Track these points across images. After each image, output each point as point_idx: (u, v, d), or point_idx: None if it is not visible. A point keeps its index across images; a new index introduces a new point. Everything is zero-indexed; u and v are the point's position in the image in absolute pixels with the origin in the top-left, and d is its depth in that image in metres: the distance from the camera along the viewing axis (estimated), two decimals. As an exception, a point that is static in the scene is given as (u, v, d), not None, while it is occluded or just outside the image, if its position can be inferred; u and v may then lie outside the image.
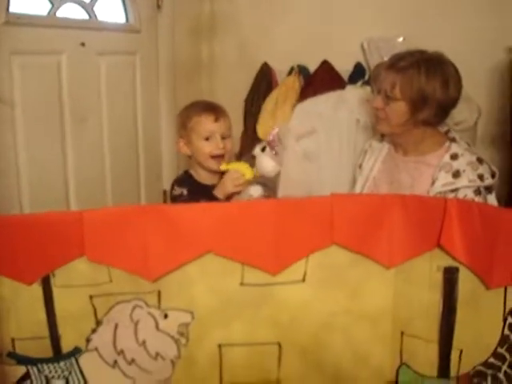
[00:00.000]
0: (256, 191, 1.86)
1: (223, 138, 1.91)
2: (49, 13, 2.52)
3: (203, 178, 1.94)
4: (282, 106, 2.94)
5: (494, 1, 2.69)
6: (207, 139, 1.90)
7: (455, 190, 1.82)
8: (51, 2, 2.52)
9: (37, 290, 1.41)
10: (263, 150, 1.81)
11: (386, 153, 2.05)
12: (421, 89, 1.82)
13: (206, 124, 1.90)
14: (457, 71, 1.88)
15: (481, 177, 1.81)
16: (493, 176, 1.84)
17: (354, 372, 1.52)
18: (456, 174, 1.82)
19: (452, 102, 1.89)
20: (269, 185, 1.88)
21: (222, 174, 1.91)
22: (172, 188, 1.94)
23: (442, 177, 1.83)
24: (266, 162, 1.81)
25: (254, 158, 1.88)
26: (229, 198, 1.86)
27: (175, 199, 1.90)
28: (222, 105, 2.00)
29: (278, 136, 1.81)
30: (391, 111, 1.88)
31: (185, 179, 1.96)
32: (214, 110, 1.93)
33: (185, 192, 1.89)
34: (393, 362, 1.51)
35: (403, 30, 2.81)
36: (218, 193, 1.84)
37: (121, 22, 2.97)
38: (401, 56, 1.90)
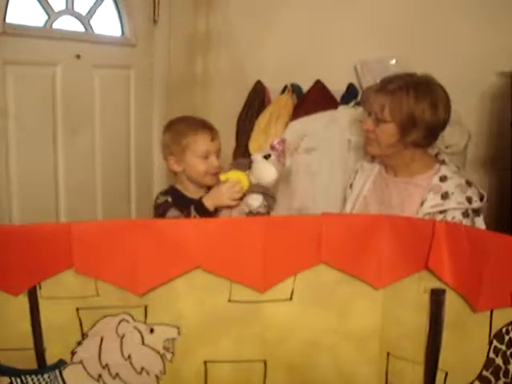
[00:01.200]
0: (256, 200, 1.81)
1: (217, 156, 1.92)
2: (45, 24, 2.52)
3: (190, 192, 1.93)
4: (274, 124, 2.95)
5: (485, 26, 2.72)
6: (203, 157, 1.89)
7: (443, 212, 1.83)
8: (48, 14, 2.52)
9: (23, 301, 1.40)
10: (266, 157, 1.75)
11: (376, 173, 2.06)
12: (410, 111, 1.84)
13: (204, 143, 1.90)
14: (446, 94, 1.90)
15: (469, 199, 1.83)
16: (481, 199, 1.85)
17: (340, 392, 1.52)
18: (445, 196, 1.83)
19: (441, 125, 1.91)
20: (268, 193, 1.83)
21: (209, 188, 1.90)
22: (156, 199, 1.92)
23: (431, 198, 1.85)
24: (269, 171, 1.75)
25: (247, 164, 1.83)
26: (216, 209, 1.83)
27: (159, 207, 1.87)
28: (212, 122, 2.00)
29: (285, 146, 1.76)
30: (381, 133, 1.90)
31: (170, 191, 1.95)
32: (209, 129, 1.94)
33: (169, 199, 1.87)
34: (379, 382, 1.51)
35: (396, 52, 2.83)
36: (208, 201, 1.80)
37: (117, 35, 2.98)
38: (390, 79, 1.92)
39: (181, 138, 1.90)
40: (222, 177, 1.80)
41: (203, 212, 1.77)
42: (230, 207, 1.82)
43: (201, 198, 1.81)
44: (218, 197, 1.79)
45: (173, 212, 1.80)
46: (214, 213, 1.81)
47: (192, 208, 1.76)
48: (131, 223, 1.47)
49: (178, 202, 1.85)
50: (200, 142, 1.89)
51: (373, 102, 1.93)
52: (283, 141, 1.75)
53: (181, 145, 1.90)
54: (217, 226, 1.44)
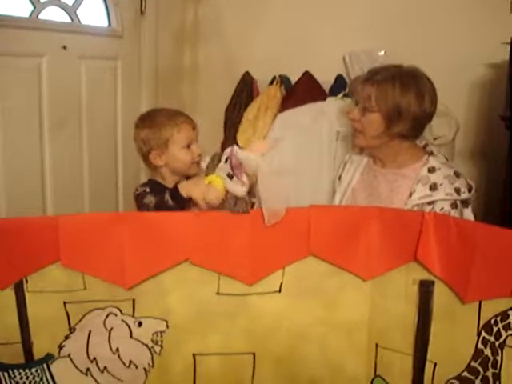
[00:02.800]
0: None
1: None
2: (31, 15, 2.49)
3: (169, 183, 1.91)
4: (263, 116, 2.94)
5: (473, 17, 2.72)
6: (186, 147, 1.88)
7: (432, 203, 1.83)
8: (33, 5, 2.50)
9: (9, 295, 1.39)
10: (230, 177, 1.67)
11: (365, 164, 2.06)
12: (396, 103, 1.84)
13: (186, 132, 1.88)
14: (432, 86, 1.90)
15: (457, 190, 1.83)
16: (469, 190, 1.86)
17: (329, 383, 1.52)
18: (433, 187, 1.83)
19: (427, 116, 1.90)
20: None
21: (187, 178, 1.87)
22: (135, 190, 1.89)
23: (420, 189, 1.85)
24: (237, 190, 1.69)
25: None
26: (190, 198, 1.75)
27: (137, 197, 1.85)
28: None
29: (243, 168, 1.64)
30: (367, 123, 1.90)
31: (148, 183, 1.92)
32: (188, 118, 1.92)
33: (147, 189, 1.85)
34: (367, 373, 1.52)
35: (384, 43, 2.83)
36: (184, 189, 1.67)
37: (103, 26, 2.96)
38: (377, 70, 1.93)
39: (162, 131, 1.86)
40: (206, 180, 1.67)
41: (177, 199, 1.71)
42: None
43: (176, 184, 1.75)
44: (195, 192, 1.69)
45: (149, 198, 1.77)
46: (188, 201, 1.74)
47: (167, 194, 1.71)
48: (119, 216, 1.47)
49: (156, 191, 1.82)
50: (183, 132, 1.87)
51: (360, 91, 1.93)
52: (239, 164, 1.63)
53: (162, 137, 1.86)
54: (205, 219, 1.44)
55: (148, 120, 1.92)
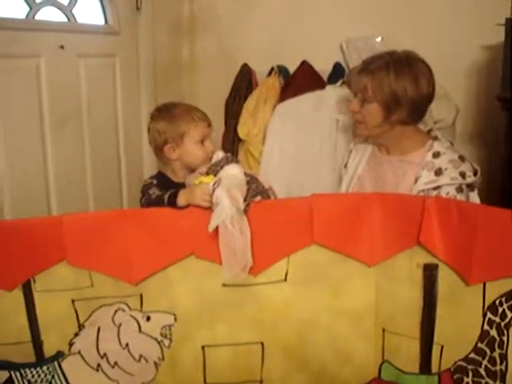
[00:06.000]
0: None
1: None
2: (27, 16, 2.50)
3: (179, 178, 1.91)
4: (262, 107, 2.94)
5: (470, 1, 2.72)
6: (200, 143, 1.87)
7: (438, 188, 1.83)
8: (29, 5, 2.50)
9: (18, 295, 1.41)
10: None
11: (370, 152, 2.06)
12: (392, 90, 1.84)
13: (203, 129, 1.87)
14: (427, 67, 1.89)
15: (463, 174, 1.83)
16: (475, 174, 1.85)
17: (337, 369, 1.54)
18: (438, 172, 1.83)
19: (425, 99, 1.90)
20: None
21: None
22: (144, 182, 1.89)
23: (425, 175, 1.85)
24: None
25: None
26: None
27: (144, 186, 1.84)
28: (200, 107, 1.97)
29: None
30: (367, 113, 1.90)
31: (157, 175, 1.92)
32: (205, 114, 1.91)
33: (154, 181, 1.85)
34: (375, 359, 1.52)
35: (381, 29, 2.83)
36: (182, 198, 1.65)
37: (100, 24, 2.96)
38: (371, 59, 1.92)
39: (179, 124, 1.85)
40: (196, 181, 1.68)
41: (174, 207, 1.71)
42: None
43: (175, 193, 1.74)
44: (192, 196, 1.68)
45: (153, 189, 1.78)
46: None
47: (166, 196, 1.71)
48: (123, 213, 1.48)
49: (163, 185, 1.83)
50: (199, 128, 1.86)
51: (356, 83, 1.93)
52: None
53: (179, 130, 1.85)
54: (208, 213, 1.44)
55: (165, 112, 1.90)
